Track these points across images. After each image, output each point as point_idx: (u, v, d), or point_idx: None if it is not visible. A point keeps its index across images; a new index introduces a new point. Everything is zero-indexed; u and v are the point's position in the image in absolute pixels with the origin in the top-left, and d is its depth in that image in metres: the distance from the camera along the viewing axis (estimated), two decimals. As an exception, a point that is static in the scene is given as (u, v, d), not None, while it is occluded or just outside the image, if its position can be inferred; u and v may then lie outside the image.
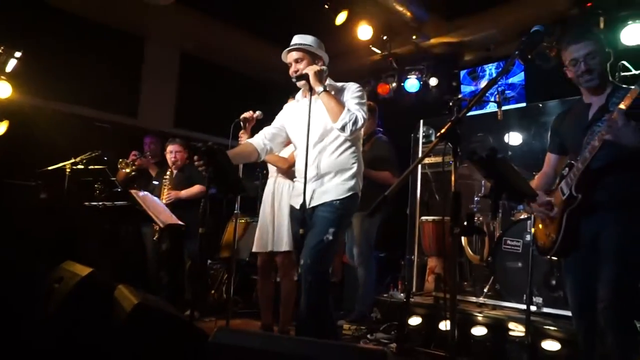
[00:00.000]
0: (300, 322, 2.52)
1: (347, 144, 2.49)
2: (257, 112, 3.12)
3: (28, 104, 4.49)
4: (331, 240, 2.35)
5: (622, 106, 1.82)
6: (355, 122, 2.36)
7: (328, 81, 2.57)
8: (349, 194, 2.44)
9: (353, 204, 2.49)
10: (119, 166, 4.31)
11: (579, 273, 2.09)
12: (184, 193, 4.17)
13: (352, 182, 2.47)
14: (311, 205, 2.46)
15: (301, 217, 2.45)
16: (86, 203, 4.24)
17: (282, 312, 3.31)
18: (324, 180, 2.48)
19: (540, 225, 2.24)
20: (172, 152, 4.27)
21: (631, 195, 1.96)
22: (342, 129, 2.37)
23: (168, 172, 4.34)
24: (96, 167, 4.29)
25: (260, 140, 2.69)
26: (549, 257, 2.21)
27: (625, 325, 1.91)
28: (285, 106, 2.90)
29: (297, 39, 2.59)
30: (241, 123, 3.02)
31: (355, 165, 2.51)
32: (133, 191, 3.90)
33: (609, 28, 4.09)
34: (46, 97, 4.66)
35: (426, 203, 4.63)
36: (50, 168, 4.15)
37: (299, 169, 2.60)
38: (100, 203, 4.22)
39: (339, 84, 2.61)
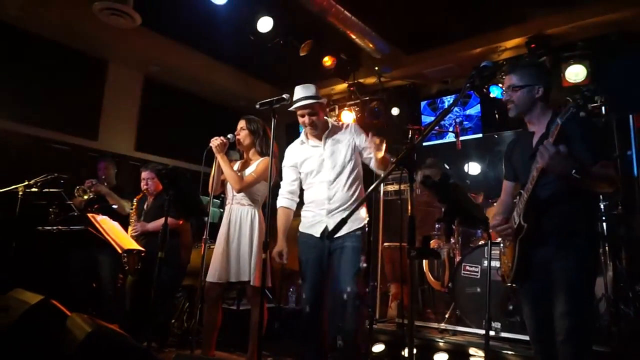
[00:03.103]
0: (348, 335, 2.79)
1: (358, 180, 2.89)
2: (229, 136, 3.12)
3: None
4: (365, 267, 2.73)
5: (550, 140, 1.86)
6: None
7: (330, 124, 2.92)
8: (365, 222, 2.81)
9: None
10: (75, 194, 4.15)
11: (534, 302, 2.13)
12: (151, 226, 3.95)
13: (365, 212, 2.84)
14: (336, 235, 2.71)
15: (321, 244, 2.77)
16: (39, 227, 4.06)
17: (252, 341, 3.19)
18: (343, 213, 2.74)
19: (504, 255, 2.29)
20: (144, 179, 4.07)
21: (573, 227, 1.98)
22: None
23: (135, 200, 4.16)
24: (51, 190, 4.08)
25: (292, 202, 3.00)
26: (508, 284, 2.23)
27: (582, 357, 1.92)
28: (289, 150, 3.05)
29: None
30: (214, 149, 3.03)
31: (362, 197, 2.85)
32: (91, 215, 3.77)
33: (553, 68, 4.38)
34: (1, 117, 4.49)
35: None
36: (0, 191, 3.97)
37: (316, 200, 2.88)
38: (55, 227, 4.04)
39: (339, 124, 2.97)
